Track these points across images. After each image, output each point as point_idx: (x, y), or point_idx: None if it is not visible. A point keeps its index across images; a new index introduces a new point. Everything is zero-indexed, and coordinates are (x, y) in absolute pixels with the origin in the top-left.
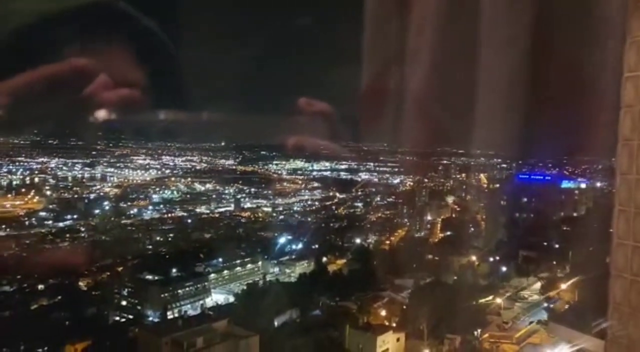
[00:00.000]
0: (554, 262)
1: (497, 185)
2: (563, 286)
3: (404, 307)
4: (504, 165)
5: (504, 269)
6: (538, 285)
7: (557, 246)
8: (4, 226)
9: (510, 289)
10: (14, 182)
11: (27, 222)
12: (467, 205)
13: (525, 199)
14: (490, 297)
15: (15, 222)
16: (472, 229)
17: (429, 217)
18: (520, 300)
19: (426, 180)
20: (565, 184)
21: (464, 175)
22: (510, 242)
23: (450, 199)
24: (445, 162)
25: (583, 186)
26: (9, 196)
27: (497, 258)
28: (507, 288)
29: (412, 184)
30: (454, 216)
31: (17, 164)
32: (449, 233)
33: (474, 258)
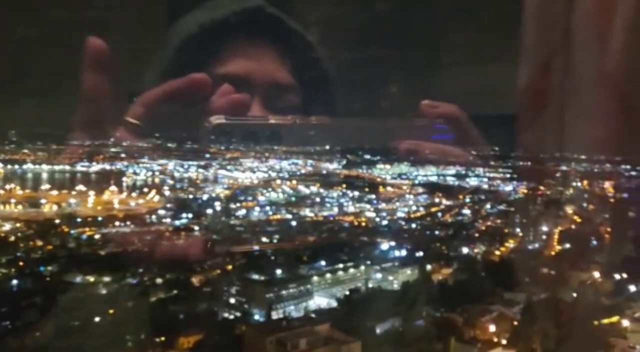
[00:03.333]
0: None
1: (626, 194)
2: None
3: (515, 323)
4: (634, 173)
5: (632, 288)
6: None
7: None
8: (128, 223)
9: (639, 311)
10: (138, 182)
11: (147, 220)
12: (589, 216)
13: None
14: (615, 319)
15: (137, 219)
16: (595, 242)
17: (544, 228)
18: None
19: (542, 187)
20: None
21: (585, 182)
22: None
23: (569, 209)
24: (564, 168)
25: None
26: (133, 195)
27: (624, 275)
28: (635, 309)
29: (525, 191)
30: (573, 227)
31: (140, 165)
32: (567, 246)
33: (596, 274)
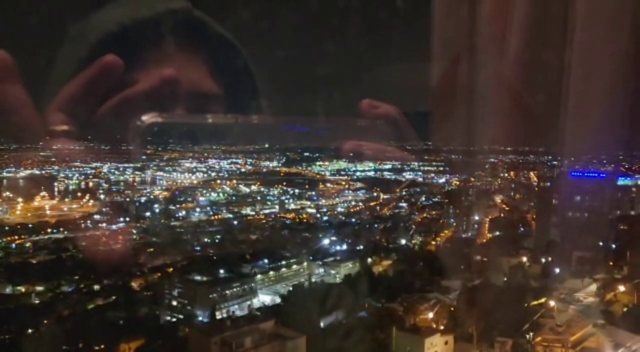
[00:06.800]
0: (611, 263)
1: (548, 183)
2: (621, 288)
3: (452, 309)
4: (555, 163)
5: (556, 270)
6: (594, 287)
7: (613, 246)
8: (61, 229)
9: (564, 291)
10: (71, 187)
11: (82, 225)
12: (516, 204)
13: (578, 198)
14: (543, 300)
15: (71, 225)
16: (522, 229)
17: (476, 217)
18: (575, 302)
19: (473, 179)
20: (622, 181)
21: (512, 173)
22: (563, 243)
23: (498, 198)
24: (492, 160)
25: None
26: (66, 200)
27: (549, 259)
28: (561, 290)
29: (458, 183)
30: (502, 215)
31: (73, 169)
32: (497, 233)
33: (524, 259)
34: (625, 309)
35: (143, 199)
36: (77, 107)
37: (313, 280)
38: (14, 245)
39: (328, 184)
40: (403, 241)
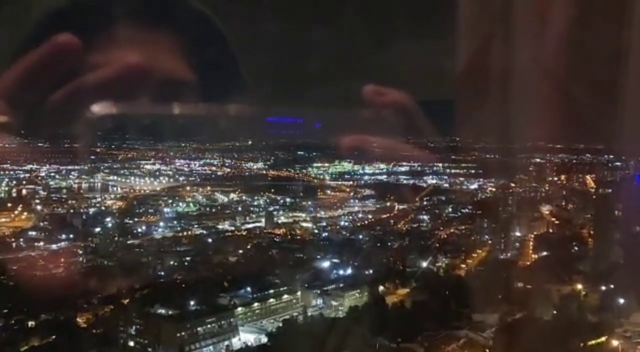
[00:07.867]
0: None
1: (609, 190)
2: None
3: (487, 350)
4: (618, 164)
5: (620, 300)
6: None
7: None
8: None
9: (631, 328)
10: None
11: (13, 244)
12: (569, 216)
13: None
14: (604, 338)
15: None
16: (576, 248)
17: (517, 234)
18: None
19: (513, 184)
20: None
21: (563, 177)
22: (629, 266)
23: (545, 209)
24: (537, 160)
25: None
26: None
27: (611, 286)
28: (626, 326)
29: (493, 189)
30: (551, 231)
31: (1, 172)
32: (545, 254)
33: (579, 286)
34: None
35: (92, 211)
36: (21, 95)
37: (309, 313)
38: None
39: (328, 191)
40: (424, 264)
